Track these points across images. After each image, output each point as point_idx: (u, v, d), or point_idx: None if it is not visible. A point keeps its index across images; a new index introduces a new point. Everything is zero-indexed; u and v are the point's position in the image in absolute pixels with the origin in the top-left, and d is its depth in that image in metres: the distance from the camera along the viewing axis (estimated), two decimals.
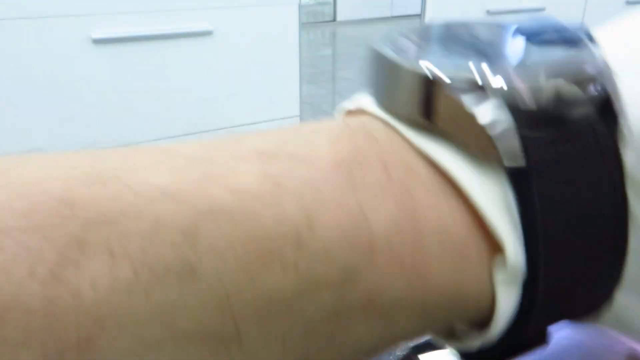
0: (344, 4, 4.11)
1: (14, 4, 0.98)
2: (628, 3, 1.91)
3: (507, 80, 0.13)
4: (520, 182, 0.12)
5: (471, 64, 0.13)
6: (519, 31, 0.15)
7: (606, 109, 0.13)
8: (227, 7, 1.19)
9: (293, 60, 1.31)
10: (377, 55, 0.14)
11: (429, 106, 0.13)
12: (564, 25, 0.15)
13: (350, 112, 0.16)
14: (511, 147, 0.12)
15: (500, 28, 0.16)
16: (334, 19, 4.13)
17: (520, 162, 0.12)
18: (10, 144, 1.05)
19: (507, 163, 0.12)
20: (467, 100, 0.12)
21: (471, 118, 0.12)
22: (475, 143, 0.13)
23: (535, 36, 0.15)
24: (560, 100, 0.13)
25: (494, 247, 0.13)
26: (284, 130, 0.14)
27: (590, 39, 0.14)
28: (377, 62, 0.14)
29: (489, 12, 1.66)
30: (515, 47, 0.14)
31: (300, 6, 1.27)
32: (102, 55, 1.09)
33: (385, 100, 0.14)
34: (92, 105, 1.11)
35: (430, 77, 0.13)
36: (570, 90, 0.13)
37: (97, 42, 1.07)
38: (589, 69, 0.13)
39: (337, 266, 0.12)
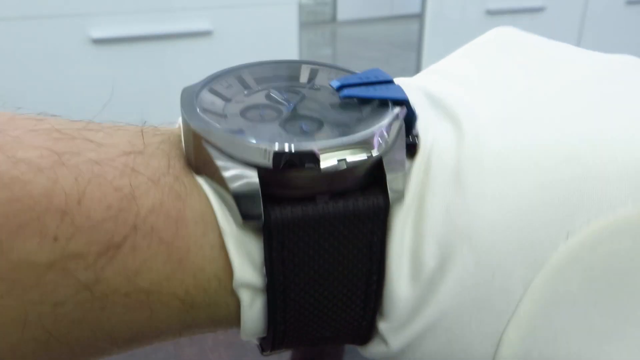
0: (344, 4, 4.11)
1: (13, 4, 0.98)
2: (628, 3, 1.91)
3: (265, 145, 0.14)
4: (265, 234, 0.14)
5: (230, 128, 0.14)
6: (335, 84, 0.16)
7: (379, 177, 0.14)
8: (227, 7, 1.19)
9: None
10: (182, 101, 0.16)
11: (198, 154, 0.14)
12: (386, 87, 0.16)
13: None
14: (251, 206, 0.13)
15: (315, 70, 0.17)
16: (334, 19, 4.13)
17: (260, 221, 0.14)
18: None
19: (245, 221, 0.14)
20: (218, 157, 0.14)
21: (219, 173, 0.14)
22: (223, 193, 0.14)
23: (347, 89, 0.16)
24: (324, 167, 0.14)
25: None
26: (104, 123, 0.16)
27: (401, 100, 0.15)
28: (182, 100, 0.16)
29: (488, 12, 1.66)
30: (329, 107, 0.16)
31: (300, 6, 1.27)
32: (102, 55, 1.09)
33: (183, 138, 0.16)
34: (92, 105, 1.11)
35: (197, 132, 0.14)
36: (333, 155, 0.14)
37: (97, 42, 1.07)
38: (364, 138, 0.14)
39: (99, 240, 0.13)
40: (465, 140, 0.14)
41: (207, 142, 0.14)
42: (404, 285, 0.14)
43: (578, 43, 1.87)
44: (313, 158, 0.14)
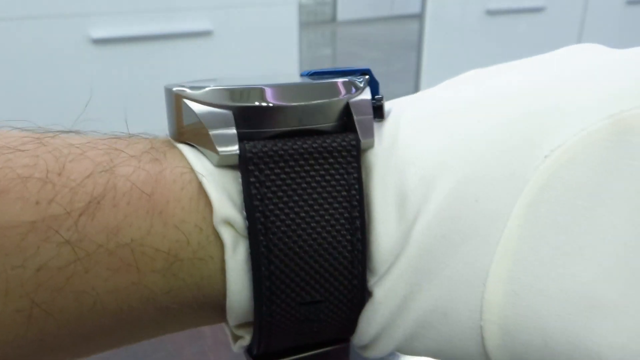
0: (344, 4, 4.11)
1: (13, 4, 0.98)
2: (628, 3, 1.91)
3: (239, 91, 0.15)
4: (242, 170, 0.14)
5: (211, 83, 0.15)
6: (306, 72, 0.17)
7: (348, 124, 0.15)
8: (227, 7, 1.19)
9: (293, 60, 1.31)
10: (165, 90, 0.17)
11: (179, 116, 0.16)
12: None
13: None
14: (227, 141, 0.14)
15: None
16: (334, 19, 4.13)
17: (234, 152, 0.14)
18: None
19: (222, 153, 0.14)
20: (195, 106, 0.15)
21: (197, 119, 0.15)
22: (201, 140, 0.15)
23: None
24: (301, 108, 0.15)
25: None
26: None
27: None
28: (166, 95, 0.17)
29: (488, 12, 1.66)
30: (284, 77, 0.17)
31: (300, 6, 1.27)
32: (102, 55, 1.09)
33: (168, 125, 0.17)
34: (92, 105, 1.11)
35: (177, 91, 0.15)
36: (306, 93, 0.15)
37: (97, 42, 1.07)
38: (337, 88, 0.15)
39: (78, 199, 0.13)
40: (430, 95, 0.16)
41: (186, 97, 0.15)
42: (390, 228, 0.14)
43: (578, 43, 1.87)
44: (302, 92, 0.15)
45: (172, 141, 0.16)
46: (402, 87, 2.62)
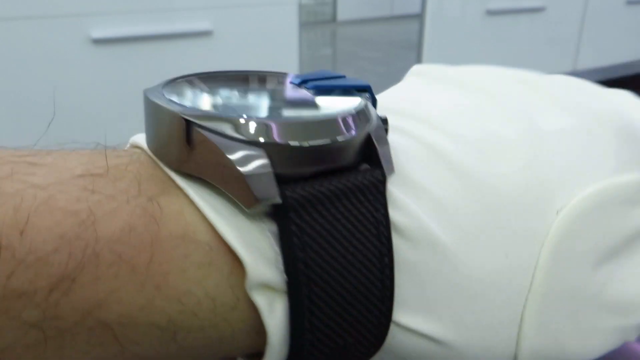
0: (344, 4, 4.10)
1: (13, 4, 0.98)
2: (628, 3, 1.90)
3: (266, 124, 0.13)
4: (280, 217, 0.13)
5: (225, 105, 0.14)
6: (297, 80, 0.16)
7: (370, 156, 0.14)
8: (227, 7, 1.19)
9: (293, 60, 1.31)
10: (146, 100, 0.15)
11: (187, 146, 0.13)
12: (348, 83, 0.16)
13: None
14: (265, 185, 0.12)
15: (287, 77, 0.17)
16: (334, 19, 4.13)
17: (276, 199, 0.13)
18: (9, 143, 1.04)
19: (263, 201, 0.12)
20: (220, 140, 0.13)
21: (223, 158, 0.12)
22: (226, 181, 0.13)
23: (312, 82, 0.16)
24: (323, 144, 0.13)
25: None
26: (55, 149, 0.14)
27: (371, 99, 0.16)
28: (147, 107, 0.15)
29: (488, 12, 1.66)
30: (293, 100, 0.15)
31: (300, 6, 1.27)
32: (102, 55, 1.09)
33: (153, 143, 0.14)
34: (92, 105, 1.10)
35: (189, 119, 0.13)
36: (330, 131, 0.13)
37: (97, 42, 1.07)
38: (359, 115, 0.14)
39: (48, 273, 0.11)
40: (435, 130, 0.16)
41: (201, 126, 0.13)
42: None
43: (578, 43, 1.87)
44: (333, 127, 0.14)
45: (165, 170, 0.14)
46: None
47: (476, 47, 1.69)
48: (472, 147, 0.15)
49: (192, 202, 0.13)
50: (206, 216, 0.13)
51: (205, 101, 0.15)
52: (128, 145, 0.16)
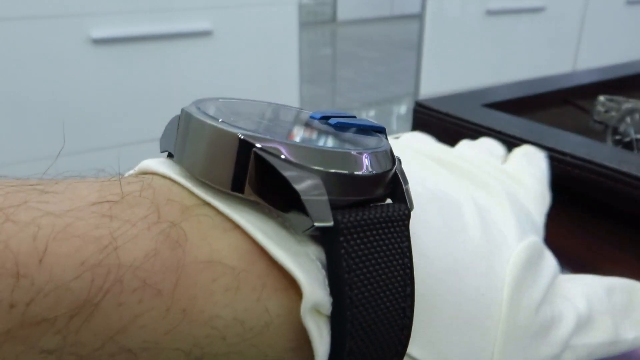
0: (344, 4, 4.11)
1: (13, 4, 0.98)
2: (628, 3, 1.90)
3: (321, 151, 0.14)
4: (329, 241, 0.13)
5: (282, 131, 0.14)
6: (317, 115, 0.17)
7: (395, 189, 0.15)
8: (227, 7, 1.19)
9: (293, 60, 1.31)
10: (189, 117, 0.15)
11: (242, 167, 0.14)
12: (367, 124, 0.17)
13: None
14: (321, 209, 0.13)
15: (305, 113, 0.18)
16: (334, 19, 4.13)
17: (329, 221, 0.13)
18: (9, 144, 1.05)
19: (317, 224, 0.13)
20: (280, 164, 0.13)
21: (282, 181, 0.13)
22: (284, 206, 0.13)
23: (333, 119, 0.17)
24: (367, 173, 0.14)
25: (289, 285, 0.13)
26: (60, 179, 0.14)
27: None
28: (195, 127, 0.15)
29: (489, 12, 1.66)
30: (319, 132, 0.16)
31: (300, 6, 1.27)
32: (102, 55, 1.09)
33: (200, 164, 0.14)
34: (92, 105, 1.11)
35: (248, 140, 0.13)
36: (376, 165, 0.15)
37: (97, 42, 1.07)
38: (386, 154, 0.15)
39: (69, 300, 0.11)
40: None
41: (260, 148, 0.13)
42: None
43: (578, 43, 1.87)
44: (387, 159, 0.15)
45: (187, 196, 0.14)
46: (402, 87, 2.62)
47: (476, 47, 1.69)
48: (451, 205, 0.18)
49: (215, 228, 0.13)
50: (256, 240, 0.13)
51: (249, 124, 0.15)
52: (134, 171, 0.16)
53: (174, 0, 1.13)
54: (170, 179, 0.14)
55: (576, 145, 0.33)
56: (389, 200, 0.15)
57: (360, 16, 4.18)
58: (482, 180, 0.21)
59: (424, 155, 0.22)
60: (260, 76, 1.28)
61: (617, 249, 0.29)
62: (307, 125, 0.17)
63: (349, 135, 0.16)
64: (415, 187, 0.17)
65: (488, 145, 0.27)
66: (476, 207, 0.18)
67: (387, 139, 0.17)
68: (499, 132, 0.36)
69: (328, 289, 0.13)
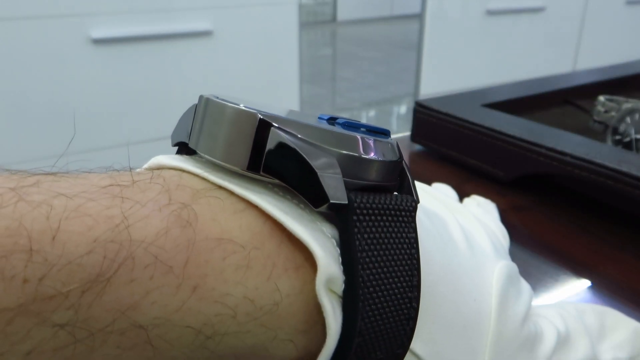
0: (344, 4, 4.11)
1: (14, 4, 0.98)
2: (628, 3, 1.90)
3: (339, 134, 0.14)
4: (342, 219, 0.14)
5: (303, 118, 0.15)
6: (325, 116, 0.17)
7: (401, 183, 0.16)
8: (227, 7, 1.19)
9: (293, 60, 1.31)
10: (207, 102, 0.15)
11: (259, 146, 0.14)
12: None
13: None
14: (337, 187, 0.14)
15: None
16: (334, 19, 4.13)
17: (343, 199, 0.14)
18: (9, 144, 1.05)
19: (332, 201, 0.13)
20: (297, 143, 0.14)
21: (299, 158, 0.13)
22: (301, 183, 0.14)
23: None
24: (383, 162, 0.15)
25: (302, 261, 0.14)
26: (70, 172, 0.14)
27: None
28: (213, 109, 0.15)
29: (489, 12, 1.66)
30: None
31: (300, 6, 1.27)
32: (102, 55, 1.09)
33: (218, 146, 0.15)
34: (92, 105, 1.11)
35: (266, 120, 0.14)
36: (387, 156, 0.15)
37: (97, 42, 1.07)
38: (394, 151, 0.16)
39: (81, 275, 0.11)
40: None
41: (278, 127, 0.14)
42: None
43: (578, 43, 1.87)
44: (389, 148, 0.15)
45: (198, 181, 0.14)
46: (402, 87, 2.62)
47: (476, 47, 1.69)
48: (439, 220, 0.19)
49: (226, 209, 0.14)
50: (273, 215, 0.13)
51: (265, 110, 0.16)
52: (145, 167, 0.16)
53: (174, 0, 1.13)
54: (180, 169, 0.15)
55: (576, 145, 0.33)
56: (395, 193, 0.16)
57: (360, 16, 4.18)
58: (454, 207, 0.22)
59: None
60: (260, 76, 1.28)
61: (617, 249, 0.29)
62: (316, 119, 0.17)
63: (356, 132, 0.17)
64: None
65: (444, 190, 0.28)
66: (460, 225, 0.19)
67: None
68: (499, 132, 0.36)
69: (342, 267, 0.14)
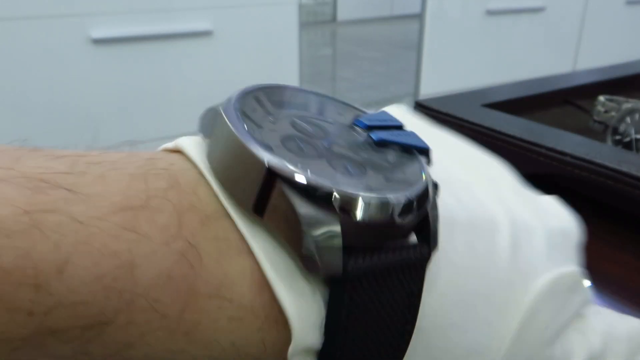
0: (344, 4, 4.10)
1: (14, 4, 0.98)
2: (628, 3, 1.90)
3: (344, 192, 0.13)
4: (335, 286, 0.13)
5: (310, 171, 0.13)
6: (362, 123, 0.16)
7: (423, 225, 0.15)
8: (227, 7, 1.19)
9: (293, 60, 1.31)
10: (217, 117, 0.14)
11: (264, 194, 0.13)
12: (404, 133, 0.16)
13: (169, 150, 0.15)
14: (332, 258, 0.13)
15: (347, 113, 0.17)
16: (334, 19, 4.13)
17: (337, 271, 0.13)
18: (9, 144, 1.05)
19: (325, 271, 0.13)
20: (300, 205, 0.13)
21: (297, 223, 0.13)
22: (294, 243, 0.13)
23: (377, 131, 0.16)
24: (386, 217, 0.13)
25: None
26: (95, 154, 0.14)
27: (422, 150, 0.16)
28: (214, 124, 0.14)
29: (488, 12, 1.66)
30: (357, 147, 0.15)
31: (300, 6, 1.27)
32: (102, 55, 1.09)
33: (223, 174, 0.14)
34: (92, 105, 1.11)
35: (275, 172, 0.13)
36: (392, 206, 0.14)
37: (97, 42, 1.07)
38: (416, 190, 0.14)
39: (85, 314, 0.11)
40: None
41: (287, 181, 0.13)
42: None
43: (578, 43, 1.87)
44: (409, 208, 0.14)
45: (207, 200, 0.14)
46: (402, 87, 2.62)
47: (476, 47, 1.69)
48: (484, 228, 0.17)
49: (231, 248, 0.13)
50: (267, 278, 0.13)
51: (270, 134, 0.15)
52: (170, 147, 0.15)
53: (174, 0, 1.13)
54: (196, 167, 0.14)
55: (576, 145, 0.33)
56: (414, 239, 0.15)
57: (360, 16, 4.18)
58: (521, 192, 0.20)
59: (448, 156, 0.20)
60: (260, 76, 1.28)
61: (617, 249, 0.29)
62: (349, 134, 0.16)
63: (388, 157, 0.16)
64: (448, 199, 0.16)
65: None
66: (512, 228, 0.17)
67: (429, 161, 0.16)
68: (499, 132, 0.36)
69: (324, 329, 0.13)
